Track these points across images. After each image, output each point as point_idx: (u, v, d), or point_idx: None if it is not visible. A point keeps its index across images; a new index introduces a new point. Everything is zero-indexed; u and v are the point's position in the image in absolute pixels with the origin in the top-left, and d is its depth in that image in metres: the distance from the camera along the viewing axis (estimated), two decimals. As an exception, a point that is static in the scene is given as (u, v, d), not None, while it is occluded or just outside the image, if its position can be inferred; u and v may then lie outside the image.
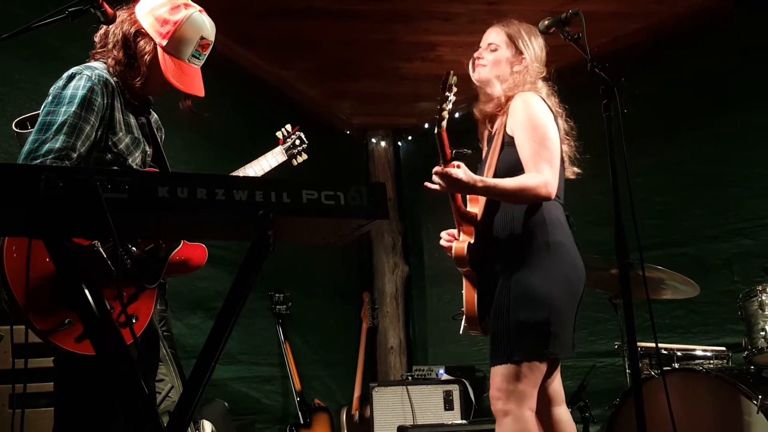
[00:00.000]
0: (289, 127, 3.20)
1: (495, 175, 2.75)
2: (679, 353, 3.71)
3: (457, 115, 5.94)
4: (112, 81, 2.45)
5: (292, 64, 5.61)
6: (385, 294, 6.29)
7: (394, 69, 5.59)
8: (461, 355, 5.71)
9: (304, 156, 3.21)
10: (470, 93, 3.10)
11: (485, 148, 2.98)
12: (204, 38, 2.53)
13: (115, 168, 2.41)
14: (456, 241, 2.77)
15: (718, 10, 4.76)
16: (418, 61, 5.48)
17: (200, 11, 2.55)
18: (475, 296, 2.76)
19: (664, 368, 3.48)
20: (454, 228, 2.87)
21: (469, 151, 2.76)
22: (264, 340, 5.30)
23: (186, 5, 2.52)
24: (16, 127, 2.40)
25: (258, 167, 2.95)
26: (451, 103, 2.65)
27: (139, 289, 2.38)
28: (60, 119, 2.28)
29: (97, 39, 2.54)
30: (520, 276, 2.64)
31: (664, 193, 4.94)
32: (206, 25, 2.54)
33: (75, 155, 2.28)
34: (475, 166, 2.88)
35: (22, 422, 2.43)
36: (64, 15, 2.08)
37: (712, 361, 3.69)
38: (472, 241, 2.74)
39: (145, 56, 2.47)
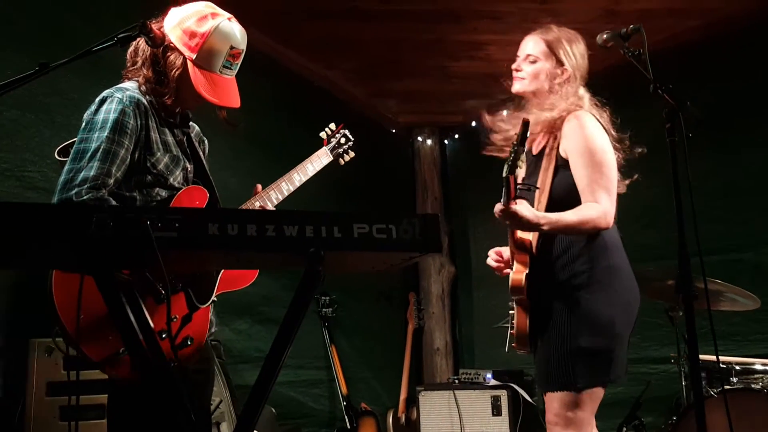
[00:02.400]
0: (333, 125, 3.05)
1: (549, 198, 2.66)
2: (737, 367, 3.60)
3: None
4: (144, 101, 2.39)
5: (338, 64, 5.58)
6: (432, 294, 6.23)
7: (441, 68, 5.51)
8: (509, 358, 5.61)
9: (351, 154, 3.08)
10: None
11: (524, 163, 2.84)
12: (234, 47, 2.43)
13: (160, 190, 2.39)
14: (512, 271, 2.67)
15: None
16: (466, 60, 5.39)
17: (229, 19, 2.44)
18: (528, 319, 2.68)
19: (724, 387, 3.37)
20: (500, 235, 2.78)
21: (537, 188, 2.69)
22: (310, 344, 5.31)
23: (213, 15, 2.42)
24: (58, 155, 2.38)
25: (303, 172, 2.84)
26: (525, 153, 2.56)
27: (192, 309, 2.36)
28: (93, 146, 2.25)
29: (127, 57, 2.48)
30: (581, 301, 2.57)
31: (722, 197, 4.78)
32: (235, 34, 2.44)
33: (111, 181, 2.25)
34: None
35: (76, 434, 2.46)
36: (113, 42, 2.05)
37: (772, 376, 3.57)
38: (527, 271, 2.64)
39: (174, 71, 2.39)
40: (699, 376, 2.09)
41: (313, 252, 1.69)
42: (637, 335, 5.12)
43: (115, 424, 2.35)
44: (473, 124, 6.25)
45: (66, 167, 2.24)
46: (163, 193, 2.40)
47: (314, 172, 2.89)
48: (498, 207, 2.53)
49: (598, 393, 2.58)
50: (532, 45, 2.81)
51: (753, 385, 3.48)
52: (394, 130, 6.53)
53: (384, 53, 5.37)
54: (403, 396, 5.60)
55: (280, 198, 2.71)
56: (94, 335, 2.09)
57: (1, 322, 3.57)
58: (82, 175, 2.21)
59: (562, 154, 2.67)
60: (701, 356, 3.45)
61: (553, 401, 2.58)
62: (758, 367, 3.63)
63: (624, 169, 2.81)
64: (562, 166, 2.67)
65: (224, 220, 1.65)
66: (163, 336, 2.18)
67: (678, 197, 2.07)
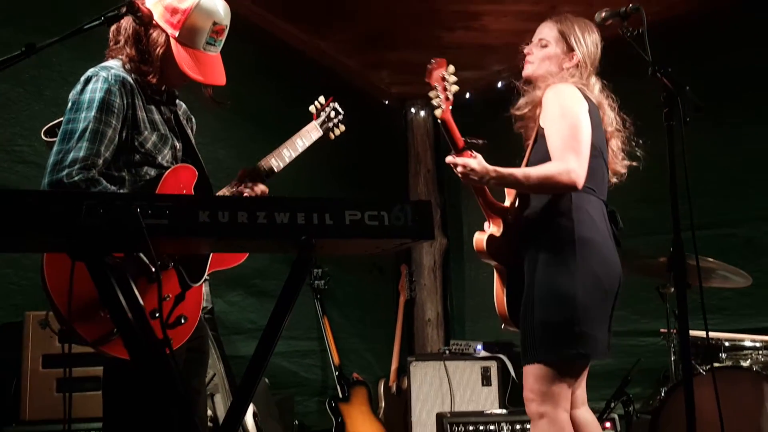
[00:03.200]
0: (322, 99, 2.95)
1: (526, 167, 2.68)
2: (726, 343, 3.62)
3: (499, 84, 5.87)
4: (130, 79, 2.35)
5: (331, 34, 5.50)
6: (423, 266, 6.24)
7: (436, 38, 5.45)
8: (499, 330, 5.66)
9: (342, 128, 3.00)
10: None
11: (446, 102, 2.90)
12: (217, 23, 2.38)
13: (149, 169, 2.36)
14: (478, 231, 2.71)
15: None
16: (461, 30, 5.33)
17: None
18: (504, 293, 2.72)
19: (713, 365, 3.40)
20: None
21: (482, 141, 2.70)
22: (303, 315, 5.31)
23: None
24: (45, 135, 2.35)
25: (293, 148, 2.76)
26: (448, 93, 2.62)
27: (185, 288, 2.34)
28: (81, 126, 2.22)
29: (110, 35, 2.42)
30: (544, 273, 2.57)
31: (717, 171, 4.76)
32: (218, 10, 2.38)
33: (101, 161, 2.23)
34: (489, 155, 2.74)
35: (70, 405, 2.47)
36: (100, 21, 2.01)
37: (760, 353, 3.60)
38: (497, 234, 2.67)
39: (158, 49, 2.34)
40: (689, 362, 2.09)
41: (305, 240, 1.69)
42: (627, 308, 5.23)
43: (110, 401, 2.36)
44: (467, 95, 6.20)
45: (55, 148, 2.22)
46: (152, 173, 2.38)
47: (304, 148, 2.82)
48: (449, 159, 2.61)
49: (571, 367, 2.58)
50: (546, 31, 2.84)
51: (742, 362, 3.51)
52: (386, 101, 6.46)
53: (378, 23, 5.30)
54: (394, 366, 5.64)
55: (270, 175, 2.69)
56: (87, 315, 2.07)
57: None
58: (71, 156, 2.18)
59: (541, 123, 2.68)
60: (693, 332, 3.51)
61: (528, 376, 2.58)
62: (747, 343, 3.65)
63: (625, 151, 2.83)
64: (541, 135, 2.68)
65: (215, 208, 1.63)
66: (156, 315, 2.17)
67: (674, 180, 2.05)
